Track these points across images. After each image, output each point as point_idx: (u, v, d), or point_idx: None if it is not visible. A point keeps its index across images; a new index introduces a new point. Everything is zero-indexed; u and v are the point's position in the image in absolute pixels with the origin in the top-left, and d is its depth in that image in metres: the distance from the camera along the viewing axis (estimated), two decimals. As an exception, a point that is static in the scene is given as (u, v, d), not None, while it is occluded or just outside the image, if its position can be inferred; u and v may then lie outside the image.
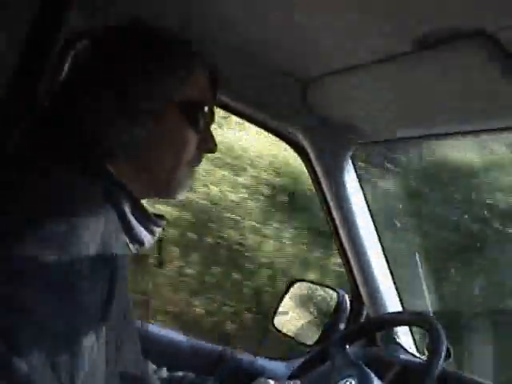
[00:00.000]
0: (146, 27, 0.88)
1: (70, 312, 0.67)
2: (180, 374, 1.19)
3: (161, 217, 0.90)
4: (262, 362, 1.60)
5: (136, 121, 0.83)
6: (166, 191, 0.91)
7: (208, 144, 0.92)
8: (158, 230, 0.89)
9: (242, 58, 1.20)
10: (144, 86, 0.83)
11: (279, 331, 1.59)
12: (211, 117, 0.93)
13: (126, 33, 0.87)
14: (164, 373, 1.17)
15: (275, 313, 1.60)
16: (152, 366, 1.15)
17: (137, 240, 0.85)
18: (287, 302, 1.60)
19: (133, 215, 0.83)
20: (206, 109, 0.90)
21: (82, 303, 0.69)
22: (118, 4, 1.09)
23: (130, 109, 0.82)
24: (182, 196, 0.91)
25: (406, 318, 1.42)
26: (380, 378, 1.20)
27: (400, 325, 1.48)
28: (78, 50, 0.91)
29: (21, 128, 0.87)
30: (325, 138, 1.38)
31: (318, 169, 1.42)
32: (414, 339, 1.54)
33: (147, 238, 0.87)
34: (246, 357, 1.60)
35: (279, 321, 1.60)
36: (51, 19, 1.05)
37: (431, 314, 1.52)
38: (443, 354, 1.16)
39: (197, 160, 0.91)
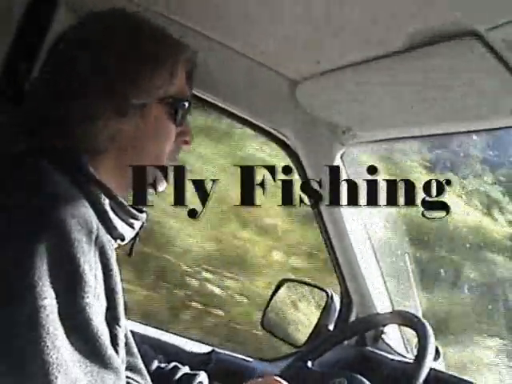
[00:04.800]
0: (134, 19, 0.87)
1: None
2: (171, 365, 1.17)
3: (140, 210, 0.89)
4: (248, 361, 1.59)
5: (123, 115, 0.82)
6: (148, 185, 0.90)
7: (185, 137, 0.93)
8: (137, 224, 0.88)
9: (231, 56, 1.19)
10: (132, 80, 0.82)
11: (269, 331, 1.59)
12: (189, 110, 0.94)
13: (114, 24, 0.86)
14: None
15: (265, 313, 1.59)
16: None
17: (117, 234, 0.84)
18: (277, 302, 1.60)
19: (111, 209, 0.82)
20: (186, 102, 0.91)
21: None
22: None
23: (116, 103, 0.81)
24: (162, 188, 0.91)
25: (392, 318, 1.42)
26: (368, 378, 1.20)
27: (383, 326, 1.48)
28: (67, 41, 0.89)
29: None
30: (314, 138, 1.37)
31: (307, 169, 1.41)
32: (404, 339, 1.54)
33: (127, 232, 0.87)
34: (233, 356, 1.60)
35: (269, 321, 1.59)
36: (41, 15, 1.05)
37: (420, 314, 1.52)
38: (432, 355, 1.16)
39: (174, 153, 0.92)
